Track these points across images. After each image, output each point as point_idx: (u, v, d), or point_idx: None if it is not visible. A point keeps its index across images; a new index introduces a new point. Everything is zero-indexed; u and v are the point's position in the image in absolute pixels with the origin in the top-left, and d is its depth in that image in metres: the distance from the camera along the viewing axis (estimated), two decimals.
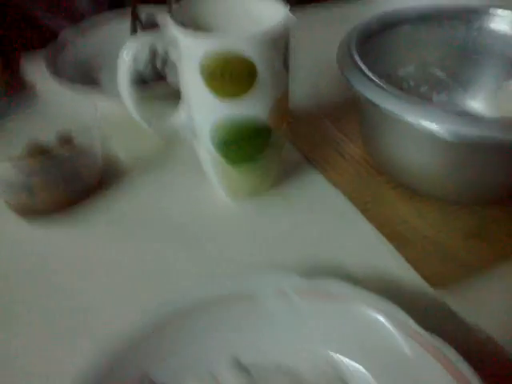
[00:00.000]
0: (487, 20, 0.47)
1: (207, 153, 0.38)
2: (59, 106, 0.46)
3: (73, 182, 0.42)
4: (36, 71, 0.57)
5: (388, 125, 0.39)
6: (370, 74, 0.37)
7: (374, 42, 0.45)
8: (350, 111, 0.46)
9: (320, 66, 0.58)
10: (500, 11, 0.46)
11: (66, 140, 0.43)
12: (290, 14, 0.34)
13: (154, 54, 0.58)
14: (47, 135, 0.45)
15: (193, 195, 0.43)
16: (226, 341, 0.28)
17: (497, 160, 0.36)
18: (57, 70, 0.54)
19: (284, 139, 0.40)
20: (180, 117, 0.37)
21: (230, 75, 0.33)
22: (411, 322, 0.26)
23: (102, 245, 0.39)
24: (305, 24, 0.72)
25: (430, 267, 0.35)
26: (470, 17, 0.48)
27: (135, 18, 0.59)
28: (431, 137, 0.34)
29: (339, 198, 0.42)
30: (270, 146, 0.38)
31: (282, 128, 0.39)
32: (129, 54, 0.32)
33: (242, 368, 0.28)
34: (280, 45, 0.33)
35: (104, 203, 0.42)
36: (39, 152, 0.41)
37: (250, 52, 0.32)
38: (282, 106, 0.37)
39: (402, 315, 0.26)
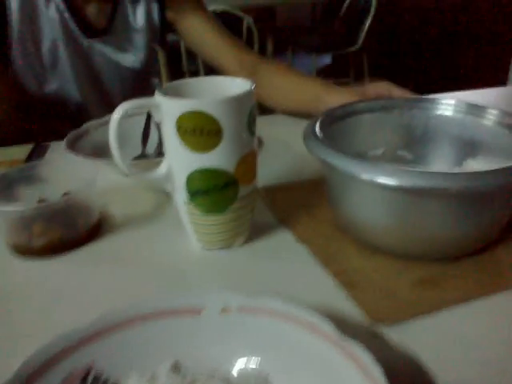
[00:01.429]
0: (443, 108, 0.54)
1: (183, 203, 0.44)
2: (69, 172, 0.54)
3: (69, 230, 0.48)
4: (59, 153, 0.67)
5: (343, 183, 0.44)
6: (325, 142, 0.44)
7: (338, 126, 0.52)
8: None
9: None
10: (452, 100, 0.54)
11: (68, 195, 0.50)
12: (253, 88, 0.42)
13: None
14: (57, 196, 0.52)
15: (171, 245, 0.48)
16: (171, 347, 0.31)
17: (439, 211, 0.40)
18: (74, 149, 0.63)
19: (254, 195, 0.46)
20: (162, 170, 0.44)
21: (201, 132, 0.40)
22: (333, 330, 0.28)
23: (81, 279, 0.43)
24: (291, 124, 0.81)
25: (375, 305, 0.38)
26: (427, 106, 0.55)
27: (149, 114, 0.69)
28: (378, 189, 0.39)
29: (304, 252, 0.46)
30: (239, 199, 0.44)
31: (250, 184, 0.44)
32: (119, 113, 0.40)
33: (179, 371, 0.30)
34: (242, 110, 0.41)
35: (94, 250, 0.48)
36: None
37: (217, 113, 0.39)
38: (248, 163, 0.43)
39: (326, 324, 0.29)
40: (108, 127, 0.66)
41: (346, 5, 3.08)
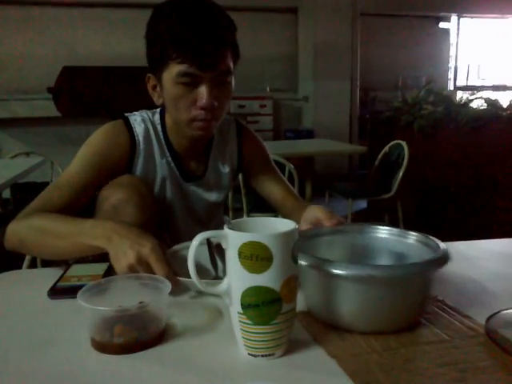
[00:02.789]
0: (381, 232, 0.74)
1: (236, 314, 0.55)
2: (145, 285, 0.66)
3: (142, 333, 0.59)
4: None
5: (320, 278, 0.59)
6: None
7: (309, 244, 0.71)
8: None
9: None
10: (387, 227, 0.74)
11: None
12: (296, 228, 0.55)
13: None
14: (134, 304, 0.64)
15: (220, 351, 0.58)
16: None
17: (382, 294, 0.57)
18: None
19: (293, 313, 0.56)
20: (224, 286, 0.56)
21: (256, 257, 0.53)
22: None
23: (147, 375, 0.54)
24: None
25: None
26: (364, 230, 0.75)
27: (210, 245, 0.83)
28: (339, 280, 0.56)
29: (333, 365, 0.54)
30: (281, 314, 0.55)
31: (291, 303, 0.56)
32: (197, 240, 0.54)
33: None
34: (289, 242, 0.54)
35: (160, 352, 0.58)
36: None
37: (269, 244, 0.52)
38: (290, 284, 0.55)
39: None
40: (180, 253, 0.80)
41: (380, 156, 3.37)
